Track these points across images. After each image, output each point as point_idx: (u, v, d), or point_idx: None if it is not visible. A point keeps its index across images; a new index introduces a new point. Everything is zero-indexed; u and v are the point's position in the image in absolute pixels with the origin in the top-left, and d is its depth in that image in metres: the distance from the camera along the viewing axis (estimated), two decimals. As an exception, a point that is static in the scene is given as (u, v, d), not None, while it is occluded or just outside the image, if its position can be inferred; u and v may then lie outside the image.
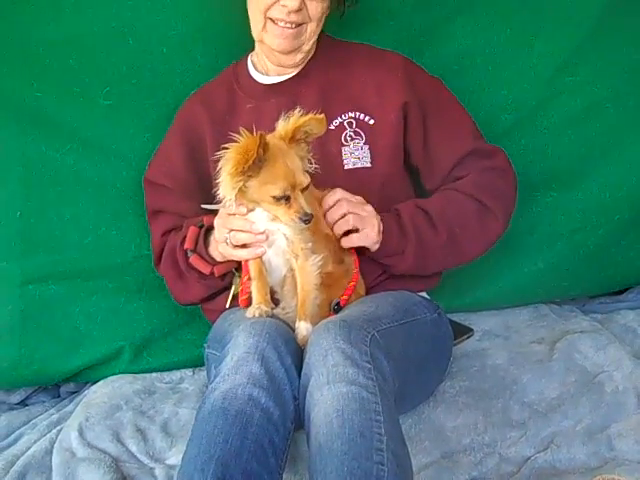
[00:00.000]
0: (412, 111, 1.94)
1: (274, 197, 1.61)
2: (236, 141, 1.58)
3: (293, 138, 1.64)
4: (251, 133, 1.57)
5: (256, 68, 2.04)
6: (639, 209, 2.40)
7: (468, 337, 2.18)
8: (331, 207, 1.78)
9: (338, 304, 1.79)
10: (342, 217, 1.78)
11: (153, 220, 2.10)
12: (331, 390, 1.46)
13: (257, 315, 1.72)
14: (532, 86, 2.30)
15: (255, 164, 1.58)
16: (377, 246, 1.83)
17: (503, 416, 1.90)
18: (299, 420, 1.57)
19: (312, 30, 1.89)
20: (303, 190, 1.64)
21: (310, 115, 1.63)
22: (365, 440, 1.40)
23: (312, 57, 2.00)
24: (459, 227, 1.91)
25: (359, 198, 1.82)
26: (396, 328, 1.73)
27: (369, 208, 1.81)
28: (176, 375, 2.30)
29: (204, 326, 2.10)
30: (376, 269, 1.93)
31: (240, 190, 1.63)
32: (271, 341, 1.59)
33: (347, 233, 1.80)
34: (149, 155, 2.12)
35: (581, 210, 2.38)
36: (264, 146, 1.57)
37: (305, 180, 1.63)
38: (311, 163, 1.69)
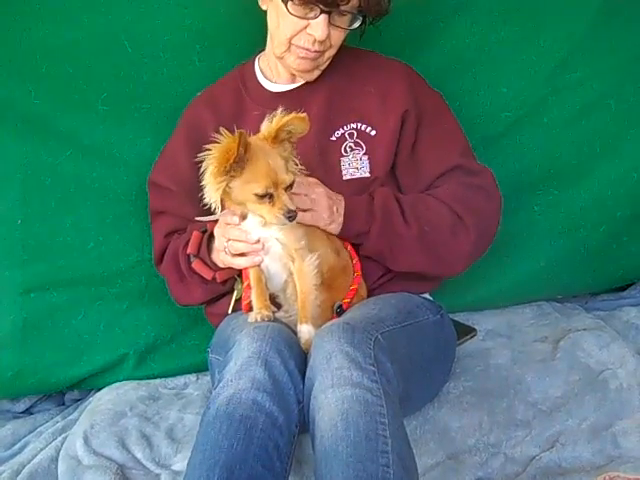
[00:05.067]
0: (409, 119, 1.93)
1: (257, 195, 1.61)
2: (217, 142, 1.59)
3: (276, 138, 1.64)
4: (231, 133, 1.57)
5: (264, 74, 2.03)
6: (640, 205, 2.39)
7: (471, 337, 2.17)
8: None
9: (340, 307, 1.79)
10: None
11: (156, 220, 2.10)
12: (335, 393, 1.46)
13: (259, 320, 1.72)
14: (532, 83, 2.29)
15: (237, 163, 1.58)
16: (333, 226, 1.81)
17: (508, 416, 1.91)
18: (303, 423, 1.57)
19: (330, 55, 1.90)
20: (287, 189, 1.64)
21: (293, 114, 1.63)
22: (370, 443, 1.40)
23: None
24: (429, 226, 1.87)
25: (312, 180, 1.80)
26: (399, 330, 1.72)
27: (320, 190, 1.79)
28: (180, 381, 2.30)
29: (207, 331, 2.10)
30: (377, 271, 1.92)
31: (225, 192, 1.63)
32: (274, 345, 1.60)
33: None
34: (149, 159, 2.11)
35: (582, 207, 2.38)
36: (245, 145, 1.57)
37: (287, 178, 1.63)
38: (296, 164, 1.69)
